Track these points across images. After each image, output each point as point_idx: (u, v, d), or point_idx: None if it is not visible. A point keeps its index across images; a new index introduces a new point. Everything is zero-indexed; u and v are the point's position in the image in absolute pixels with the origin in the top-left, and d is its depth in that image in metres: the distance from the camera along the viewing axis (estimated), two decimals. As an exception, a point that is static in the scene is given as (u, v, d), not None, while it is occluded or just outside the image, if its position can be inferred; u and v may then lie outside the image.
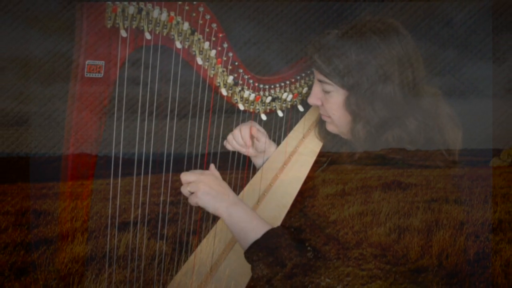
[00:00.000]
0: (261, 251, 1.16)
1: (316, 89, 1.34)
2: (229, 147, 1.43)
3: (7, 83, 1.36)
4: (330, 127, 1.38)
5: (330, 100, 1.31)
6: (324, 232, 1.23)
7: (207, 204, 1.20)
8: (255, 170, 1.46)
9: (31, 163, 1.39)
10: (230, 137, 1.43)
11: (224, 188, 1.23)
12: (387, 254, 1.17)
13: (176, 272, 1.31)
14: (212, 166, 1.29)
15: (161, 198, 1.28)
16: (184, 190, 1.22)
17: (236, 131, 1.42)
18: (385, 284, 1.12)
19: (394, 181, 1.31)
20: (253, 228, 1.18)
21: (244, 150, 1.43)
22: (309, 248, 1.16)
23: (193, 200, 1.21)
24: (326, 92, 1.31)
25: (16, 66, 1.35)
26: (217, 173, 1.28)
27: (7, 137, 1.39)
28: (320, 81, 1.31)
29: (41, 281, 1.33)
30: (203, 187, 1.20)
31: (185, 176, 1.22)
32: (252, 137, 1.43)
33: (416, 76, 1.27)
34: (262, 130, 1.45)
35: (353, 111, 1.28)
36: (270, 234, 1.18)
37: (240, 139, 1.42)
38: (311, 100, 1.35)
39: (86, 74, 1.18)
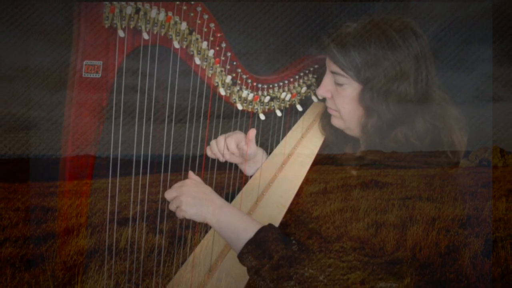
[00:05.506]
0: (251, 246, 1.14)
1: (327, 80, 1.26)
2: (210, 154, 1.33)
3: (18, 90, 1.38)
4: (336, 122, 1.30)
5: (342, 93, 1.24)
6: (307, 227, 1.25)
7: (193, 215, 1.16)
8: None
9: (39, 164, 1.39)
10: (213, 144, 1.33)
11: (207, 194, 1.18)
12: (366, 247, 1.20)
13: (173, 263, 1.31)
14: (190, 172, 1.23)
15: (159, 196, 1.25)
16: (171, 207, 1.19)
17: (220, 139, 1.32)
18: (363, 275, 1.14)
19: (372, 180, 1.32)
20: (245, 228, 1.15)
21: (221, 158, 1.33)
22: (294, 241, 1.17)
23: (179, 214, 1.17)
24: (338, 85, 1.24)
25: (26, 75, 1.37)
26: (197, 178, 1.22)
27: (17, 140, 1.40)
28: (333, 72, 1.24)
29: (49, 272, 1.35)
30: (185, 198, 1.16)
31: (168, 194, 1.18)
32: (240, 144, 1.34)
33: (429, 76, 1.23)
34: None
35: (367, 106, 1.22)
36: (262, 232, 1.15)
37: (222, 146, 1.32)
38: (321, 91, 1.27)
39: (84, 74, 1.16)
